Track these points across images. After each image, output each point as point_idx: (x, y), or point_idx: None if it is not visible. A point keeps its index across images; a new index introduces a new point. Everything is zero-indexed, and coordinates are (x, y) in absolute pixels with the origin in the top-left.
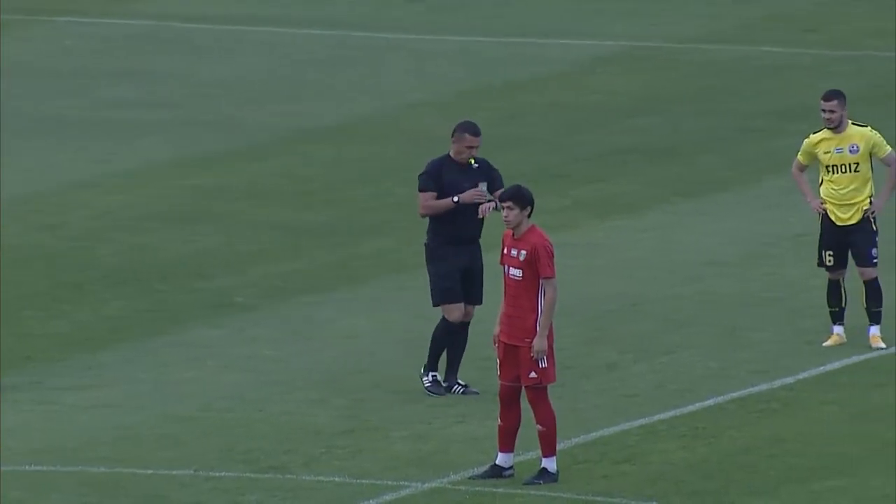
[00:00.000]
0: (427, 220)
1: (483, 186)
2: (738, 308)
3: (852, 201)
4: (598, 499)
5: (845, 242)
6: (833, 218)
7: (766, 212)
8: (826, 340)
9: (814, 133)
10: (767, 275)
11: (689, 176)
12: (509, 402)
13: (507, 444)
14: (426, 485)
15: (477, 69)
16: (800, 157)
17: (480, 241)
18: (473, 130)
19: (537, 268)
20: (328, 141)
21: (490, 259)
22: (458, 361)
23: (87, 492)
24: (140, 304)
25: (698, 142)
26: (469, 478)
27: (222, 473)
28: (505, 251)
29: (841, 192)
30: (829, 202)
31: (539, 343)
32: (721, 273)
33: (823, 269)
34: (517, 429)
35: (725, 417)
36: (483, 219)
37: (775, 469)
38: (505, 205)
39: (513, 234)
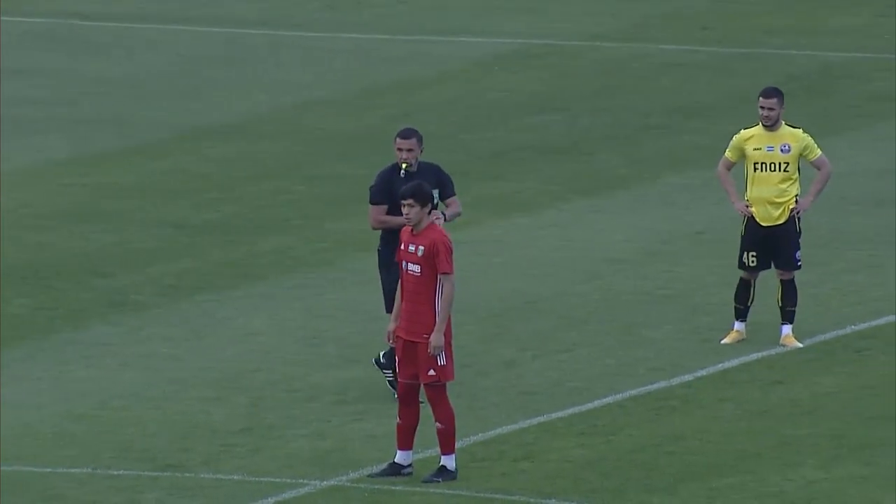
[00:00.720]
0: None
1: (434, 194)
2: (636, 305)
3: (778, 200)
4: (497, 496)
5: (768, 244)
6: (758, 219)
7: (663, 209)
8: (725, 337)
9: (745, 129)
10: (665, 272)
11: (587, 173)
12: (408, 400)
13: (405, 442)
14: (325, 483)
15: (374, 67)
16: (728, 153)
17: None
18: (402, 133)
19: (435, 263)
20: (224, 138)
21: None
22: None
23: None
24: (37, 303)
25: (596, 139)
26: (368, 476)
27: (120, 472)
28: (402, 247)
29: (768, 190)
30: (756, 203)
31: (436, 339)
32: (619, 270)
33: (742, 270)
34: (416, 427)
35: (623, 415)
36: None
37: (673, 466)
38: (406, 202)
39: (412, 231)
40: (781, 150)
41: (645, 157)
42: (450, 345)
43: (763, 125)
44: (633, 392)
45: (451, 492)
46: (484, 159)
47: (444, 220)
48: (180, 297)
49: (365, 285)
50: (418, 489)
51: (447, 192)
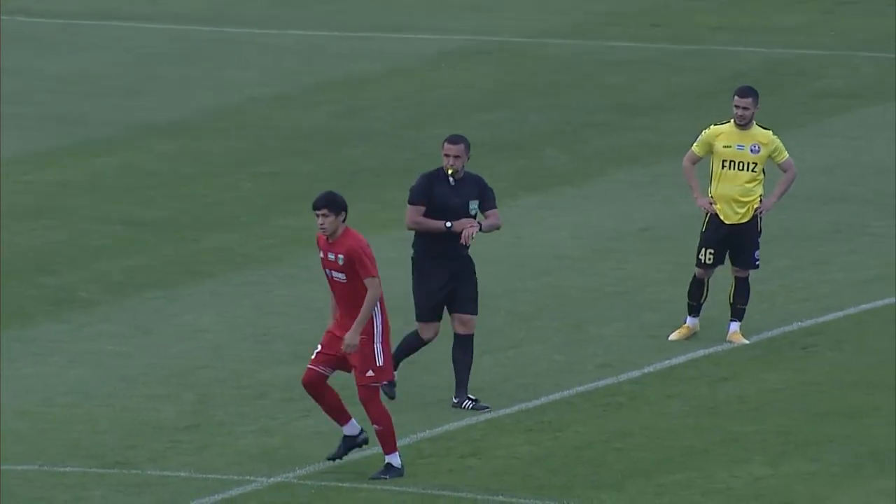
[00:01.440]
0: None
1: (473, 206)
2: (585, 302)
3: (743, 199)
4: (445, 493)
5: (730, 242)
6: (722, 216)
7: (610, 206)
8: (674, 332)
9: (716, 125)
10: (612, 269)
11: (535, 170)
12: (316, 387)
13: (341, 416)
14: (272, 479)
15: (321, 64)
16: (695, 148)
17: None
18: (451, 139)
19: (358, 269)
20: (172, 135)
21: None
22: (466, 377)
23: None
24: None
25: (544, 136)
26: (327, 458)
27: (67, 468)
28: (322, 255)
29: (733, 188)
30: (720, 201)
31: (350, 337)
32: (567, 267)
33: (697, 267)
34: (339, 400)
35: (571, 411)
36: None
37: (621, 463)
38: (319, 212)
39: (327, 239)
40: (751, 150)
41: (592, 154)
42: (387, 343)
43: (736, 124)
44: (581, 388)
45: (398, 488)
46: (431, 156)
47: (480, 229)
48: (129, 294)
49: (314, 282)
50: (365, 485)
51: (488, 204)
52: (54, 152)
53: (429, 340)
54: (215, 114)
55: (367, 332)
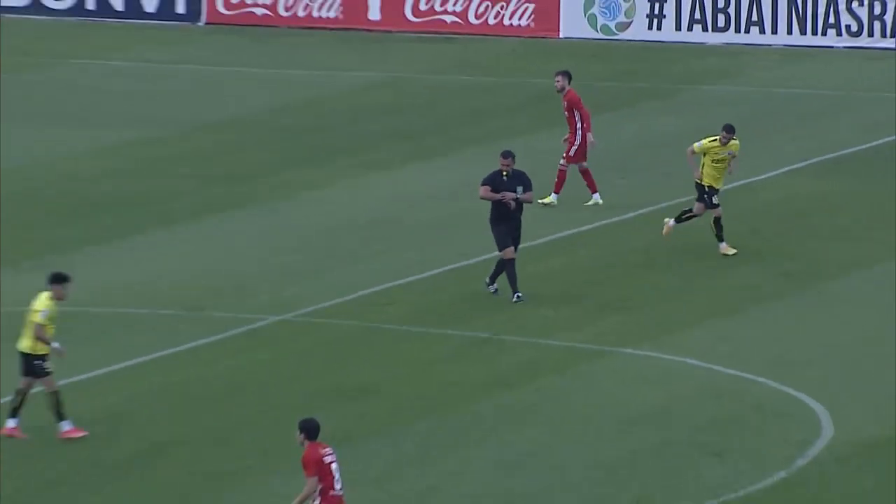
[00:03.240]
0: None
1: (519, 190)
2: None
3: (721, 176)
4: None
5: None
6: (709, 184)
7: None
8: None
9: (710, 140)
10: None
11: None
12: None
13: None
14: None
15: None
16: (697, 148)
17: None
18: (505, 154)
19: None
20: None
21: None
22: (515, 281)
23: None
24: None
25: None
26: None
27: None
28: None
29: (717, 171)
30: (709, 178)
31: None
32: None
33: (700, 202)
34: None
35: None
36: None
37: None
38: None
39: None
40: (728, 154)
41: None
42: None
43: (721, 143)
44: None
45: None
46: None
47: (516, 199)
48: None
49: None
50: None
51: (527, 188)
52: None
53: (510, 259)
54: None
55: None
